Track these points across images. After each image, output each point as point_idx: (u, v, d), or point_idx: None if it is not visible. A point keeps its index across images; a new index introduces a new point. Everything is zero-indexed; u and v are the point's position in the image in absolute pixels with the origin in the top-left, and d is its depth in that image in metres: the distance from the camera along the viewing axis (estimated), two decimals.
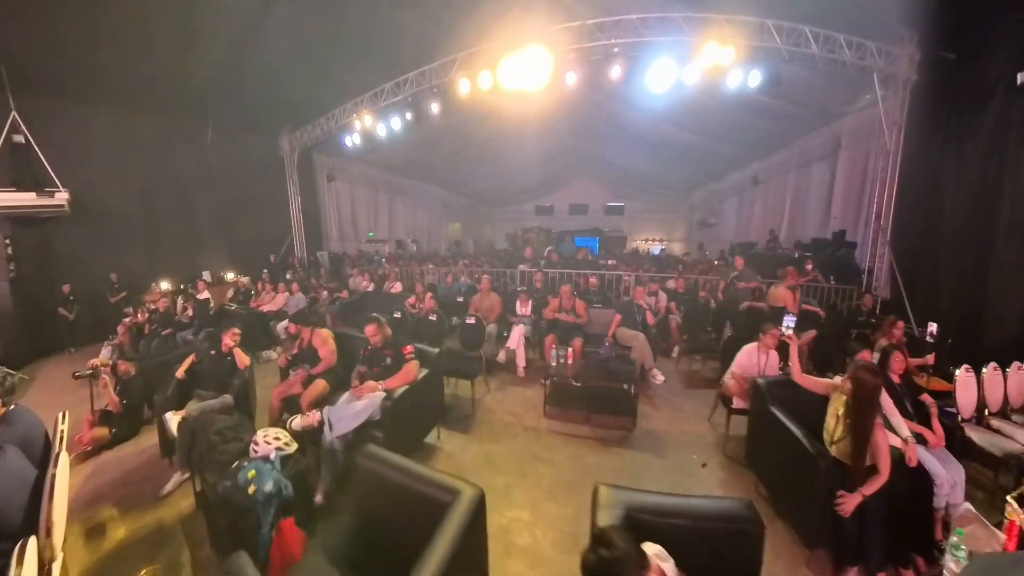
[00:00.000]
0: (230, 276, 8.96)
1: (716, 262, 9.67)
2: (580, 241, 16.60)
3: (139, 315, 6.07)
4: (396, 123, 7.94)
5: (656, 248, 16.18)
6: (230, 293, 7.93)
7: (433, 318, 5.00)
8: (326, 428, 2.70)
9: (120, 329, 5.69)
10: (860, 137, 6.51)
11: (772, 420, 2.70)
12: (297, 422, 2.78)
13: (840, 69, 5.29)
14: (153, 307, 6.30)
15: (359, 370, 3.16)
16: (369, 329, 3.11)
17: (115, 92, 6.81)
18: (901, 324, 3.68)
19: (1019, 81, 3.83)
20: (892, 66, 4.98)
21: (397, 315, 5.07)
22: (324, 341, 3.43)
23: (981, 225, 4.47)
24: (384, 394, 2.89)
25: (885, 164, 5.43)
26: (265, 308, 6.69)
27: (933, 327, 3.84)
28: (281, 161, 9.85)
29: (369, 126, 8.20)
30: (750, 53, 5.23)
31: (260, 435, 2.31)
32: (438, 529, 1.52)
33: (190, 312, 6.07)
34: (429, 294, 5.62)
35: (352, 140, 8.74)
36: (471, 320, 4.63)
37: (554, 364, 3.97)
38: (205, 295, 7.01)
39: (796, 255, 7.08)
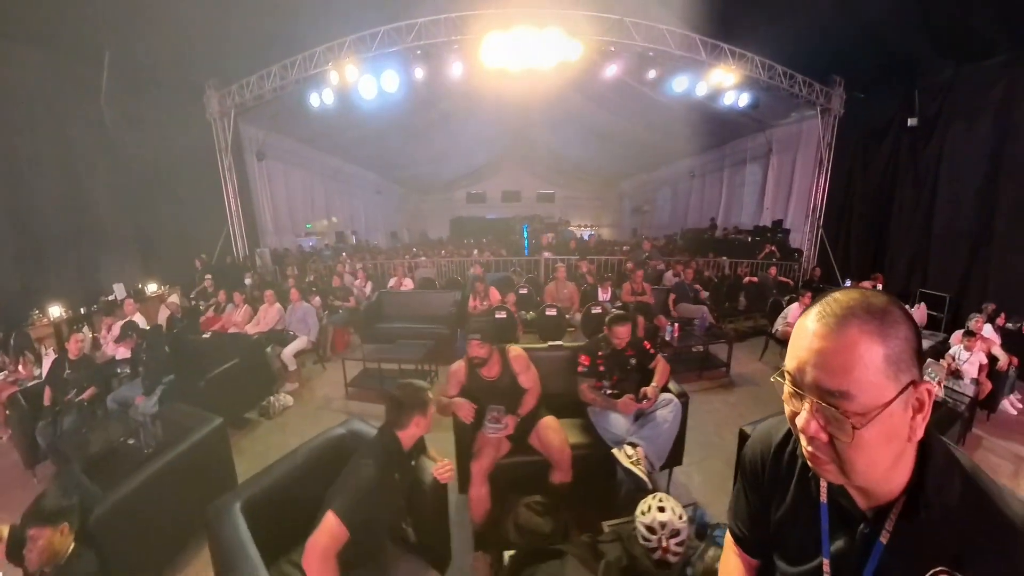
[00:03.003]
0: (152, 288, 7.44)
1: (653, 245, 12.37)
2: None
3: (22, 368, 4.34)
4: (392, 79, 7.09)
5: (587, 233, 18.79)
6: (165, 315, 6.25)
7: (503, 315, 5.14)
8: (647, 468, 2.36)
9: None
10: (788, 145, 9.55)
11: None
12: (669, 502, 1.95)
13: (793, 99, 7.90)
14: (46, 350, 4.57)
15: (587, 386, 2.87)
16: (622, 331, 2.84)
17: None
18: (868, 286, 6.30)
19: (909, 124, 6.73)
20: (828, 102, 7.78)
21: (501, 315, 5.16)
22: (527, 364, 2.69)
23: (880, 217, 7.54)
24: (671, 395, 2.74)
25: (817, 169, 8.33)
26: (252, 330, 5.42)
27: (879, 286, 6.54)
28: (209, 127, 8.34)
29: (351, 80, 7.11)
30: (742, 80, 7.41)
31: None
32: None
33: (113, 350, 4.54)
34: (493, 288, 6.27)
35: (320, 98, 7.69)
36: (597, 310, 5.58)
37: (667, 339, 5.39)
38: (139, 318, 5.24)
39: (749, 240, 9.92)
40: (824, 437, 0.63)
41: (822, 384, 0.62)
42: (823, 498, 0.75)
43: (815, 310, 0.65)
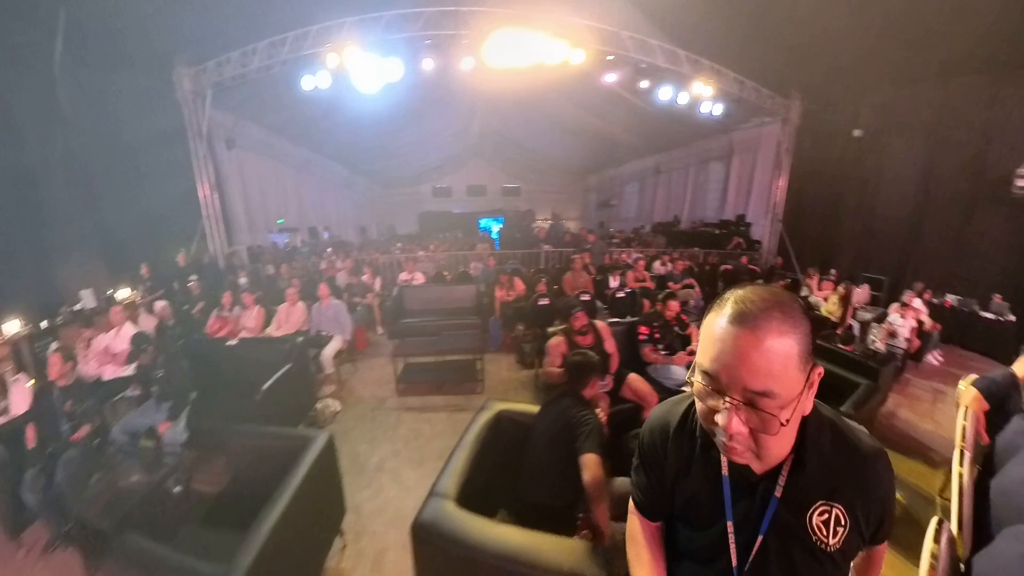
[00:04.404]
0: (123, 293, 6.67)
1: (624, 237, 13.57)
2: (485, 222, 18.68)
3: None
4: (396, 67, 7.17)
5: (540, 224, 19.72)
6: (151, 323, 5.64)
7: (544, 301, 6.13)
8: None
9: None
10: (749, 147, 10.96)
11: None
12: None
13: (757, 108, 9.21)
14: (14, 376, 3.63)
15: (649, 349, 3.80)
16: (675, 304, 3.89)
17: None
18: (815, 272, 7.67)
19: (855, 134, 8.21)
20: (788, 112, 9.17)
21: (586, 298, 5.90)
22: (610, 332, 3.54)
23: (830, 213, 9.07)
24: None
25: (777, 170, 9.75)
26: (276, 333, 5.26)
27: (833, 272, 7.96)
28: (179, 109, 7.63)
29: (351, 64, 6.99)
30: (717, 91, 8.54)
31: None
32: None
33: (96, 369, 4.02)
34: (517, 279, 6.87)
35: (314, 81, 7.45)
36: (622, 295, 6.38)
37: None
38: (130, 329, 4.51)
39: (716, 232, 11.28)
40: (746, 432, 0.69)
41: (747, 385, 0.66)
42: (725, 472, 0.84)
43: (729, 311, 0.68)
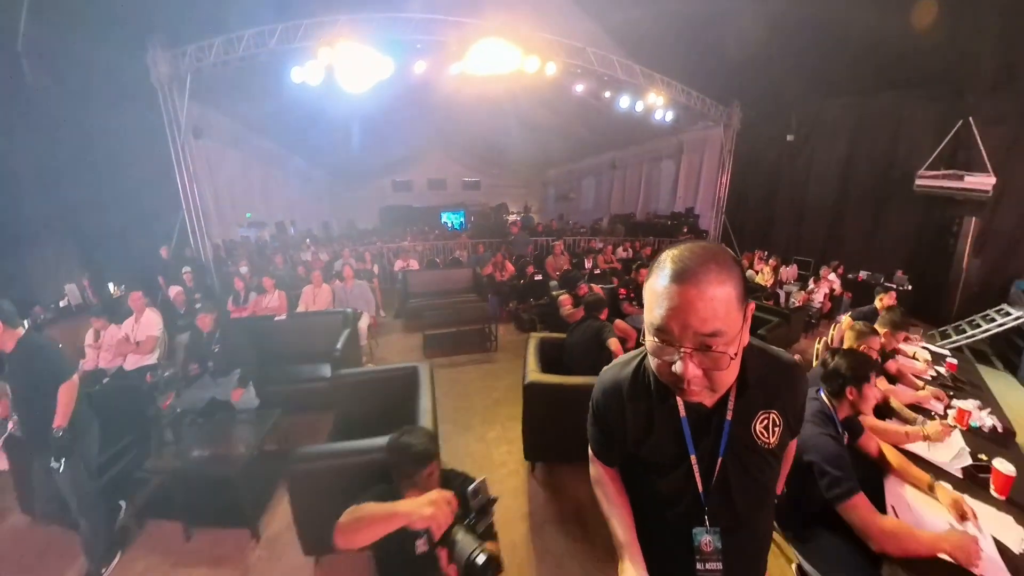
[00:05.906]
0: (111, 288, 6.79)
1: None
2: (447, 215, 18.98)
3: None
4: (387, 66, 7.42)
5: (513, 218, 20.39)
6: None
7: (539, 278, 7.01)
8: None
9: None
10: (696, 148, 12.30)
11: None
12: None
13: (702, 114, 10.47)
14: None
15: (627, 304, 5.33)
16: (645, 272, 5.54)
17: None
18: (763, 253, 9.04)
19: (788, 139, 9.65)
20: (729, 119, 10.51)
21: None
22: (601, 293, 5.17)
23: (766, 207, 10.55)
24: None
25: (721, 169, 11.12)
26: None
27: (765, 253, 9.37)
28: (154, 95, 7.23)
29: (343, 59, 7.13)
30: (668, 101, 9.66)
31: None
32: None
33: (110, 361, 4.18)
34: (508, 262, 7.62)
35: (303, 75, 7.48)
36: (598, 271, 7.25)
37: None
38: (151, 316, 4.50)
39: (668, 223, 12.55)
40: (700, 373, 0.79)
41: (698, 331, 0.75)
42: (683, 414, 0.94)
43: (669, 270, 0.76)
